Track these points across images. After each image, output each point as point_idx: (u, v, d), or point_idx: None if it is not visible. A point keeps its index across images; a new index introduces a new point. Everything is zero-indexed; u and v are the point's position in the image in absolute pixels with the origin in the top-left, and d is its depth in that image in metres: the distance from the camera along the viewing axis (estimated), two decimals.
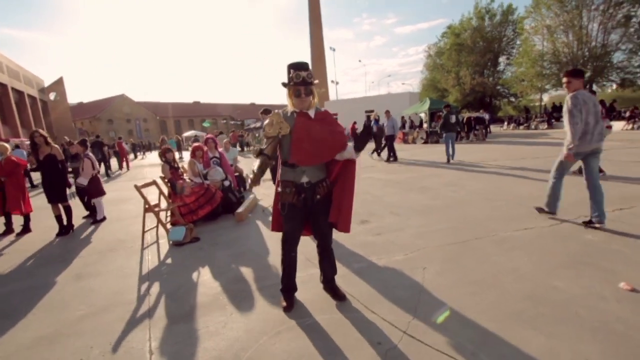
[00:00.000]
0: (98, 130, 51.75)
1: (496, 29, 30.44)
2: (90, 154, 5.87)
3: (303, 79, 2.21)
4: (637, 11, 19.09)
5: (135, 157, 25.19)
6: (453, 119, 10.40)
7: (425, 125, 19.37)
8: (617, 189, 5.12)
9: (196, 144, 5.75)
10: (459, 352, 1.85)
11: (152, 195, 4.99)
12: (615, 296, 2.30)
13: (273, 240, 4.02)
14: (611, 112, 19.56)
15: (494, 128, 23.13)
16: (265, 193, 6.97)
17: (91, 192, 5.74)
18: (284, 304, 2.45)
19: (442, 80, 33.81)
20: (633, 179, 5.68)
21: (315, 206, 2.36)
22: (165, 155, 5.06)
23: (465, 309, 2.26)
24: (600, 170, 5.44)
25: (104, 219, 5.79)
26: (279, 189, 2.39)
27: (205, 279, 3.10)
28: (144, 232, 4.39)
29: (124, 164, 16.56)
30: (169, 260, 3.68)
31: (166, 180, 5.01)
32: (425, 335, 2.03)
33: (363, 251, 3.38)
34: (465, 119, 17.77)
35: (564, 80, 3.85)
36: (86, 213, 6.14)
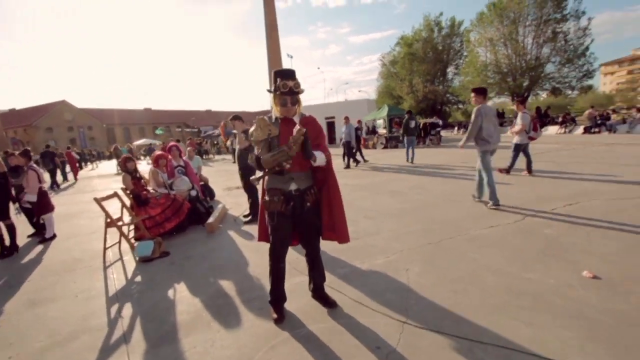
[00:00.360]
0: (35, 139, 47.07)
1: (445, 41, 32.53)
2: (35, 166, 5.31)
3: (290, 88, 2.17)
4: (563, 28, 21.49)
5: (81, 167, 23.28)
6: (413, 124, 11.35)
7: (384, 131, 20.03)
8: (564, 187, 5.64)
9: (159, 152, 5.44)
10: (456, 350, 1.91)
11: (111, 207, 4.62)
12: (581, 284, 2.51)
13: (250, 250, 3.89)
14: (546, 117, 21.71)
15: (445, 133, 24.54)
16: (234, 202, 6.76)
17: (40, 208, 5.18)
18: (275, 315, 2.36)
19: (397, 88, 35.34)
20: (575, 178, 6.30)
21: (304, 215, 2.32)
22: (125, 164, 4.72)
23: (453, 307, 2.34)
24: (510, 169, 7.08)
25: (53, 236, 5.24)
26: (267, 198, 2.32)
27: (182, 295, 2.91)
28: (105, 248, 4.04)
29: (74, 174, 15.67)
30: (138, 278, 3.41)
31: (128, 192, 4.66)
32: (421, 336, 2.06)
33: (345, 256, 3.39)
34: (421, 125, 18.66)
35: (472, 95, 4.99)
36: (32, 231, 5.52)
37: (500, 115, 23.49)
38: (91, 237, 5.11)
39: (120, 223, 4.19)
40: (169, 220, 4.74)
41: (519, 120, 7.05)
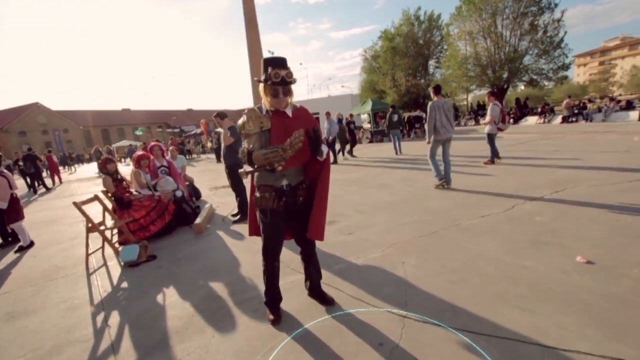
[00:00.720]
0: (7, 144, 45.03)
1: (425, 35, 32.76)
2: (5, 171, 5.02)
3: (282, 78, 2.05)
4: (539, 20, 21.97)
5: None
6: (395, 117, 11.70)
7: (369, 126, 20.08)
8: (548, 175, 5.74)
9: (140, 153, 5.23)
10: (459, 342, 1.88)
11: (92, 211, 4.42)
12: (576, 269, 2.53)
13: (241, 250, 3.79)
14: (525, 108, 22.23)
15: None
16: (221, 201, 6.60)
17: (10, 216, 4.90)
18: (271, 317, 2.28)
19: (380, 82, 35.41)
20: (558, 165, 6.43)
21: (298, 211, 2.24)
22: (106, 166, 4.51)
23: (452, 298, 2.31)
24: (495, 158, 7.33)
25: (31, 244, 4.98)
26: (257, 194, 2.22)
27: (172, 300, 2.79)
28: (87, 255, 3.85)
29: (56, 178, 15.38)
30: (124, 284, 3.26)
31: (109, 194, 4.46)
32: (423, 329, 2.03)
33: (339, 252, 3.33)
34: (406, 118, 18.80)
35: (430, 91, 5.70)
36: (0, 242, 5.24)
37: (482, 107, 23.96)
38: (72, 243, 4.88)
39: (102, 227, 4.00)
40: (154, 222, 4.57)
41: (488, 112, 7.41)
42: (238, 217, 5.02)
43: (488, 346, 1.81)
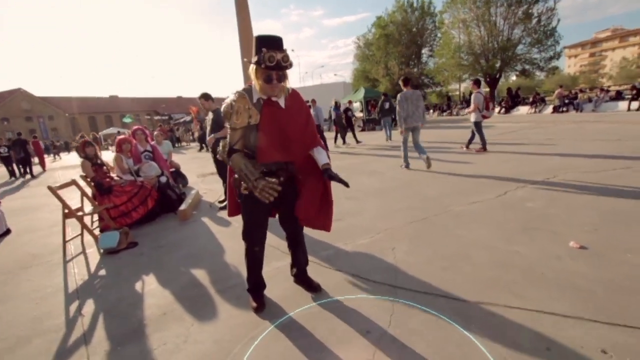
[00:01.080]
0: None
1: (418, 22, 32.40)
2: None
3: (277, 62, 1.79)
4: (533, 9, 21.88)
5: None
6: (387, 105, 11.66)
7: (361, 114, 19.90)
8: (541, 163, 5.70)
9: (122, 136, 5.01)
10: (450, 330, 1.79)
11: (71, 198, 4.22)
12: (569, 255, 2.47)
13: (226, 236, 3.66)
14: (517, 98, 22.23)
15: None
16: (208, 188, 6.43)
17: None
18: (254, 304, 2.17)
19: (373, 71, 35.08)
20: (549, 153, 6.39)
21: (282, 192, 2.11)
22: (84, 149, 4.29)
23: (444, 284, 2.23)
24: (471, 143, 7.57)
25: (7, 232, 4.76)
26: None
27: (152, 288, 2.66)
28: (65, 242, 3.68)
29: (41, 165, 15.42)
30: (102, 272, 3.11)
31: (89, 179, 4.26)
32: (413, 316, 1.94)
33: (327, 238, 3.21)
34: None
35: (400, 83, 6.17)
36: None
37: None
38: (51, 230, 4.69)
39: (80, 213, 3.81)
40: (136, 209, 4.40)
41: (472, 100, 7.44)
42: (225, 203, 4.86)
43: (480, 332, 1.73)
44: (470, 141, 7.64)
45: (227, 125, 1.93)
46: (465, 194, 4.26)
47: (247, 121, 1.88)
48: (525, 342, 1.64)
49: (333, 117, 11.92)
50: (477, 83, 7.67)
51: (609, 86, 24.43)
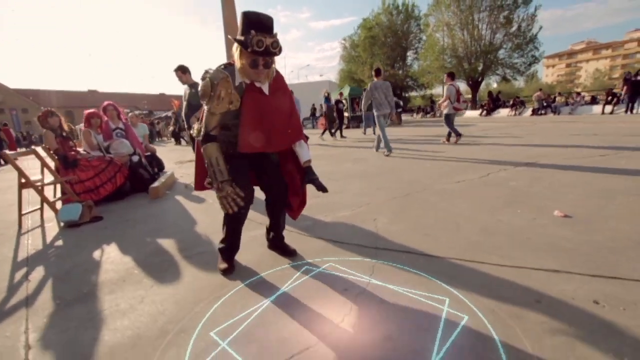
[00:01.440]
0: None
1: (403, 25, 32.79)
2: None
3: (266, 47, 1.61)
4: (514, 14, 22.48)
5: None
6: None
7: (346, 114, 19.84)
8: (522, 151, 5.73)
9: (91, 110, 4.69)
10: (432, 287, 1.66)
11: (34, 174, 3.90)
12: (554, 222, 2.40)
13: (201, 212, 3.44)
14: (498, 101, 22.75)
15: (404, 117, 24.94)
16: (185, 172, 6.16)
17: None
18: (223, 265, 1.98)
19: (359, 71, 35.21)
20: (530, 144, 6.46)
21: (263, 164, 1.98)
22: (47, 120, 3.98)
23: (426, 248, 2.10)
24: (451, 135, 7.52)
25: None
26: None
27: (111, 256, 2.42)
28: (20, 214, 3.37)
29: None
30: (59, 243, 2.84)
31: (52, 151, 3.95)
32: (393, 276, 1.80)
33: (306, 211, 3.02)
34: None
35: (373, 73, 6.66)
36: None
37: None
38: (10, 209, 4.33)
39: (39, 184, 3.51)
40: (103, 185, 4.11)
41: (445, 92, 7.59)
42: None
43: (465, 288, 1.61)
44: (449, 134, 7.67)
45: (204, 106, 1.76)
46: (448, 175, 4.18)
47: (227, 107, 1.71)
48: (513, 295, 1.53)
49: (324, 109, 11.75)
50: (450, 76, 7.78)
51: (584, 92, 25.34)
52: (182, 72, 4.33)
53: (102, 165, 4.15)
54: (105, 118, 4.89)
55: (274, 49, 1.64)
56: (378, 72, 6.56)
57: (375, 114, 6.48)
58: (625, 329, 1.26)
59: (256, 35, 1.58)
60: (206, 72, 1.73)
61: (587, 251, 1.90)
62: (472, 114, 22.55)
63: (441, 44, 25.58)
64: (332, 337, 1.33)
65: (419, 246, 2.14)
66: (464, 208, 2.87)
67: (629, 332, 1.25)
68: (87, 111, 4.68)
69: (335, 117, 11.54)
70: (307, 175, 1.99)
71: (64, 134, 4.14)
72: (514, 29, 22.57)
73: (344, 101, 14.74)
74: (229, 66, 1.77)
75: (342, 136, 11.48)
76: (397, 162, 5.59)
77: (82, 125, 4.52)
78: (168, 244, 2.56)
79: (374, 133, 11.25)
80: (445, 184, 3.76)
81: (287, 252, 2.16)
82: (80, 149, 4.40)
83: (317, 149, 8.63)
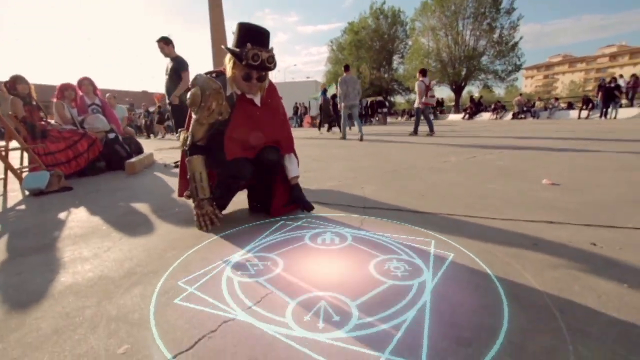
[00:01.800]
0: None
1: (390, 29, 33.23)
2: None
3: (262, 62, 1.58)
4: (497, 22, 23.18)
5: None
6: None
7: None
8: (505, 141, 5.81)
9: (65, 83, 4.42)
10: (422, 239, 1.57)
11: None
12: (543, 189, 2.37)
13: None
14: (480, 105, 23.32)
15: (390, 119, 25.19)
16: (165, 156, 5.93)
17: None
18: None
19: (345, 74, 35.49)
20: (512, 137, 6.57)
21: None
22: (15, 87, 3.72)
23: (416, 206, 2.02)
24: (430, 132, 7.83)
25: None
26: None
27: (78, 216, 2.23)
28: None
29: None
30: (21, 207, 2.61)
31: (19, 119, 3.68)
32: (384, 226, 1.70)
33: None
34: (369, 103, 18.85)
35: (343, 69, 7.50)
36: None
37: (440, 103, 24.44)
38: None
39: (2, 149, 3.25)
40: (76, 159, 3.87)
41: (416, 88, 8.04)
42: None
43: (459, 237, 1.52)
44: (430, 128, 7.87)
45: (193, 114, 1.69)
46: (435, 157, 4.16)
47: (216, 117, 1.64)
48: (509, 241, 1.46)
49: (320, 102, 11.60)
50: (422, 72, 8.11)
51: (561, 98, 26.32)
52: (165, 43, 4.13)
53: (74, 137, 3.90)
54: (80, 93, 4.64)
55: (269, 63, 1.62)
56: (347, 69, 7.44)
57: (342, 104, 7.23)
58: (625, 262, 1.21)
59: (252, 48, 1.56)
60: (196, 78, 1.65)
61: (579, 209, 1.86)
62: (454, 117, 23.00)
63: (426, 47, 26.04)
64: (305, 279, 1.22)
65: (409, 205, 2.06)
66: (455, 180, 2.81)
67: (629, 263, 1.20)
68: (61, 83, 4.40)
69: (331, 111, 11.34)
70: (294, 191, 1.94)
71: (34, 102, 3.87)
72: (496, 35, 23.20)
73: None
74: (220, 74, 1.72)
75: (329, 128, 11.37)
76: (383, 147, 5.55)
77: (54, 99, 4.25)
78: (142, 207, 2.38)
79: (350, 128, 11.16)
80: (433, 163, 3.71)
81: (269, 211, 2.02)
82: (52, 121, 4.13)
83: (305, 143, 8.52)
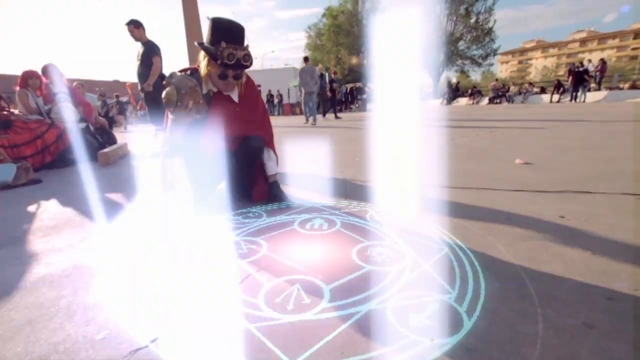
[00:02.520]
0: None
1: (368, 14, 32.98)
2: None
3: (238, 60, 1.54)
4: (474, 7, 23.47)
5: None
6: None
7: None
8: (481, 125, 5.95)
9: (28, 70, 4.17)
10: (408, 219, 1.61)
11: None
12: (516, 168, 2.46)
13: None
14: (457, 91, 23.72)
15: (369, 105, 25.27)
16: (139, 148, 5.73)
17: None
18: None
19: (324, 60, 35.05)
20: (488, 120, 6.75)
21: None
22: None
23: (397, 187, 2.06)
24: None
25: None
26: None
27: (49, 208, 2.14)
28: None
29: None
30: None
31: None
32: (364, 212, 1.73)
33: None
34: (348, 89, 18.81)
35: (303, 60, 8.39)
36: None
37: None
38: None
39: None
40: (43, 151, 3.68)
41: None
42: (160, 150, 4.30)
43: (436, 218, 1.57)
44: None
45: (169, 114, 1.63)
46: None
47: (194, 116, 1.58)
48: (484, 216, 1.51)
49: (317, 84, 11.27)
50: (306, 60, 8.84)
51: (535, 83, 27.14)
52: (135, 26, 3.94)
53: (41, 127, 3.71)
54: (45, 80, 4.39)
55: (246, 62, 1.57)
56: (306, 60, 8.69)
57: (302, 91, 8.33)
58: (589, 232, 1.29)
59: (227, 47, 1.51)
60: (170, 76, 1.58)
61: (549, 185, 1.95)
62: (432, 103, 23.30)
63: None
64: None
65: (389, 185, 2.09)
66: (433, 160, 2.87)
67: (593, 233, 1.28)
68: (25, 71, 4.15)
69: (328, 97, 11.02)
70: (272, 189, 1.92)
71: None
72: (472, 20, 23.49)
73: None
74: (195, 72, 1.66)
75: (336, 117, 10.86)
76: (359, 133, 5.58)
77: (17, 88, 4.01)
78: (118, 197, 2.32)
79: (324, 116, 11.13)
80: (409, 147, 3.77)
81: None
82: (16, 111, 3.91)
83: (293, 131, 8.45)
